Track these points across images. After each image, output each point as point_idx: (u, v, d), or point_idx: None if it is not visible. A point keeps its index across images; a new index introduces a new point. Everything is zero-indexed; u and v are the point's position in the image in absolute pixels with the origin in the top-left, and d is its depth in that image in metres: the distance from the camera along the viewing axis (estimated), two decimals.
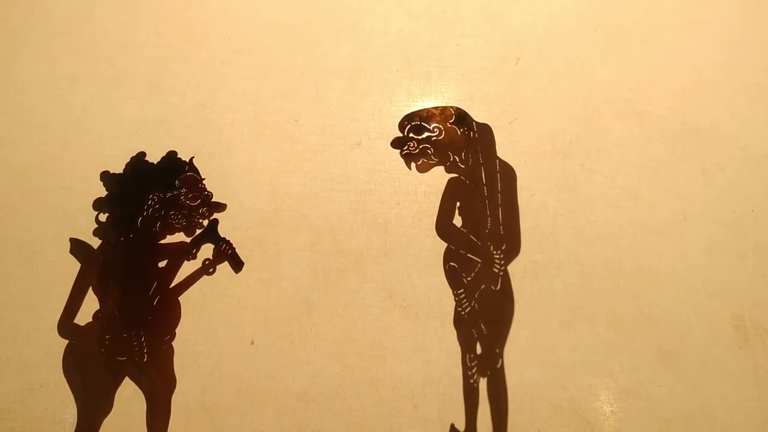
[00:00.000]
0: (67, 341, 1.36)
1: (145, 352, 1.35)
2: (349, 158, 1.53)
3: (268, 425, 1.32)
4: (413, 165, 1.50)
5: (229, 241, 1.44)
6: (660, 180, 1.49)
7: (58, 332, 1.37)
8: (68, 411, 1.32)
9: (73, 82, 1.61)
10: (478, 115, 1.58)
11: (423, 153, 1.50)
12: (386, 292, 1.42)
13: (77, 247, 1.44)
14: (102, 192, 1.49)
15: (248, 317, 1.40)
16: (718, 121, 1.56)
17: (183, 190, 1.47)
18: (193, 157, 1.52)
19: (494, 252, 1.41)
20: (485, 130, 1.54)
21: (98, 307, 1.39)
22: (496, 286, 1.40)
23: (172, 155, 1.52)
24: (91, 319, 1.38)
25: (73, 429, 1.31)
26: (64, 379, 1.34)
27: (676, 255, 1.44)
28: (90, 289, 1.40)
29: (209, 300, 1.41)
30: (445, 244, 1.44)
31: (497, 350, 1.35)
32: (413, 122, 1.54)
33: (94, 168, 1.52)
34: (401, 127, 1.54)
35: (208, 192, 1.48)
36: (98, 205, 1.47)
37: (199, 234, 1.45)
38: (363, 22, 1.69)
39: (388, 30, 1.69)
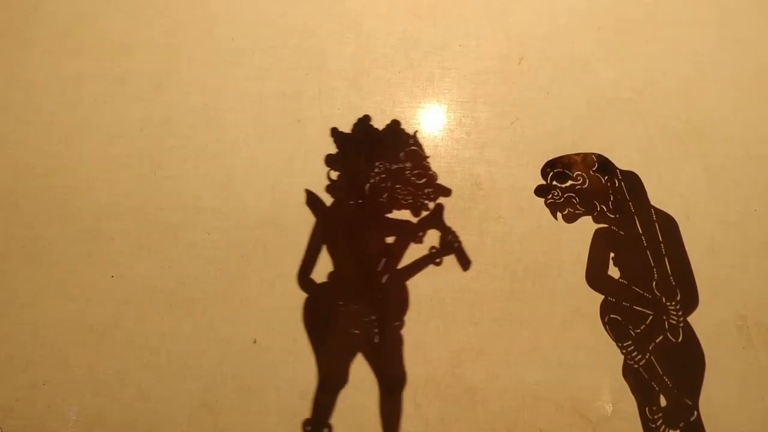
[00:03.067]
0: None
1: (376, 332, 1.36)
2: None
3: (270, 423, 1.32)
4: (559, 215, 1.47)
5: (455, 232, 1.43)
6: (663, 179, 1.49)
7: (298, 284, 1.40)
8: (71, 409, 1.33)
9: (78, 81, 1.62)
10: (481, 116, 1.58)
11: (568, 202, 1.47)
12: None
13: (312, 201, 1.45)
14: (104, 193, 1.50)
15: (251, 316, 1.40)
16: (721, 120, 1.56)
17: (408, 165, 1.47)
18: (417, 131, 1.53)
19: (668, 303, 1.38)
20: (632, 178, 1.49)
21: (332, 269, 1.41)
22: (677, 338, 1.36)
23: (395, 124, 1.53)
24: (326, 279, 1.40)
25: (76, 427, 1.31)
26: (68, 377, 1.35)
27: None
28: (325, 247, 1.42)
29: (212, 299, 1.41)
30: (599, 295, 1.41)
31: (688, 402, 1.32)
32: (556, 169, 1.50)
33: (98, 167, 1.53)
34: (544, 174, 1.50)
35: (433, 172, 1.48)
36: (330, 161, 1.48)
37: (425, 217, 1.44)
38: (366, 23, 1.70)
39: (391, 31, 1.69)
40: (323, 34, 1.69)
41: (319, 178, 1.51)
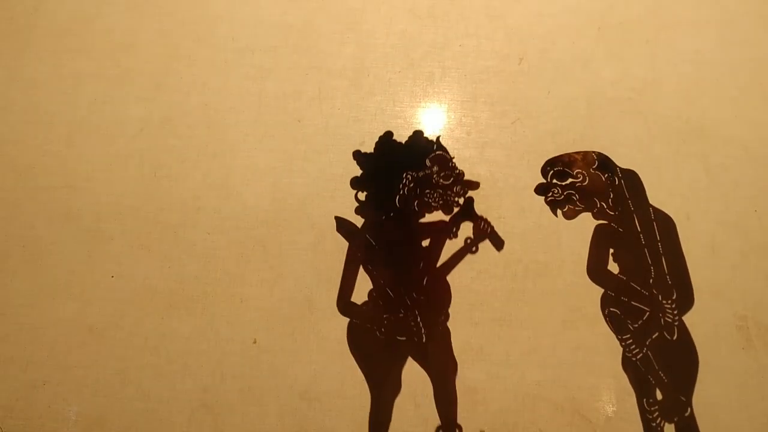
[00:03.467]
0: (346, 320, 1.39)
1: (423, 333, 1.36)
2: (352, 159, 1.54)
3: (270, 424, 1.32)
4: (559, 212, 1.47)
5: (486, 219, 1.45)
6: (663, 179, 1.49)
7: (338, 310, 1.39)
8: (71, 409, 1.33)
9: (78, 80, 1.62)
10: (481, 116, 1.58)
11: (568, 199, 1.47)
12: None
13: (342, 226, 1.45)
14: (104, 193, 1.50)
15: (251, 316, 1.40)
16: (722, 120, 1.56)
17: (435, 169, 1.48)
18: (439, 136, 1.53)
19: (664, 301, 1.38)
20: (632, 177, 1.50)
21: (371, 287, 1.41)
22: (672, 336, 1.36)
23: (419, 134, 1.54)
24: (366, 299, 1.40)
25: (76, 427, 1.31)
26: (67, 377, 1.35)
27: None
28: (361, 267, 1.42)
29: (212, 299, 1.41)
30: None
31: (683, 398, 1.32)
32: (556, 168, 1.51)
33: (98, 167, 1.53)
34: (544, 172, 1.51)
35: (460, 170, 1.49)
36: (356, 183, 1.49)
37: (456, 212, 1.46)
38: (366, 22, 1.70)
39: (392, 30, 1.69)
40: (323, 33, 1.69)
41: (319, 179, 1.51)
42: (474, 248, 1.43)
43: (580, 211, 1.47)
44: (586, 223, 1.46)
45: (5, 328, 1.39)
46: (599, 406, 1.32)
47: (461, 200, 1.47)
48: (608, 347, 1.36)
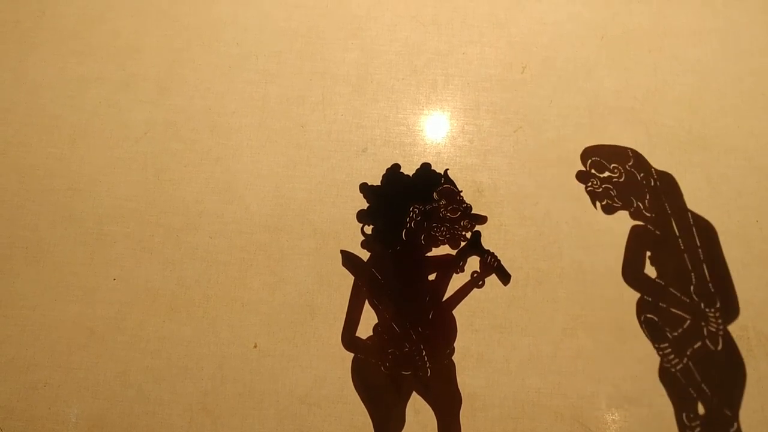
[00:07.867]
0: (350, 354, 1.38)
1: (428, 367, 1.35)
2: (355, 164, 1.54)
3: (270, 428, 1.32)
4: (598, 204, 1.47)
5: (493, 253, 1.44)
6: None
7: (343, 345, 1.38)
8: (71, 411, 1.33)
9: (83, 84, 1.63)
10: (484, 123, 1.58)
11: (606, 194, 1.47)
12: None
13: (347, 260, 1.44)
14: (107, 196, 1.51)
15: (252, 321, 1.40)
16: (724, 130, 1.56)
17: (442, 203, 1.47)
18: (447, 169, 1.52)
19: (707, 310, 1.36)
20: (668, 179, 1.49)
21: (376, 321, 1.39)
22: (716, 346, 1.34)
23: (426, 167, 1.53)
24: (371, 333, 1.39)
25: (76, 428, 1.31)
26: (68, 379, 1.35)
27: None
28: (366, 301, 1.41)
29: (213, 303, 1.41)
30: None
31: (728, 412, 1.30)
32: (593, 157, 1.51)
33: (102, 170, 1.53)
34: (583, 159, 1.51)
35: (467, 204, 1.48)
36: (362, 217, 1.48)
37: (463, 246, 1.44)
38: (370, 29, 1.70)
39: (395, 37, 1.70)
40: (327, 39, 1.69)
41: (321, 184, 1.52)
42: (480, 282, 1.42)
43: (618, 208, 1.47)
44: (587, 231, 1.46)
45: (7, 330, 1.39)
46: (599, 415, 1.31)
47: (468, 234, 1.46)
48: (609, 355, 1.36)
